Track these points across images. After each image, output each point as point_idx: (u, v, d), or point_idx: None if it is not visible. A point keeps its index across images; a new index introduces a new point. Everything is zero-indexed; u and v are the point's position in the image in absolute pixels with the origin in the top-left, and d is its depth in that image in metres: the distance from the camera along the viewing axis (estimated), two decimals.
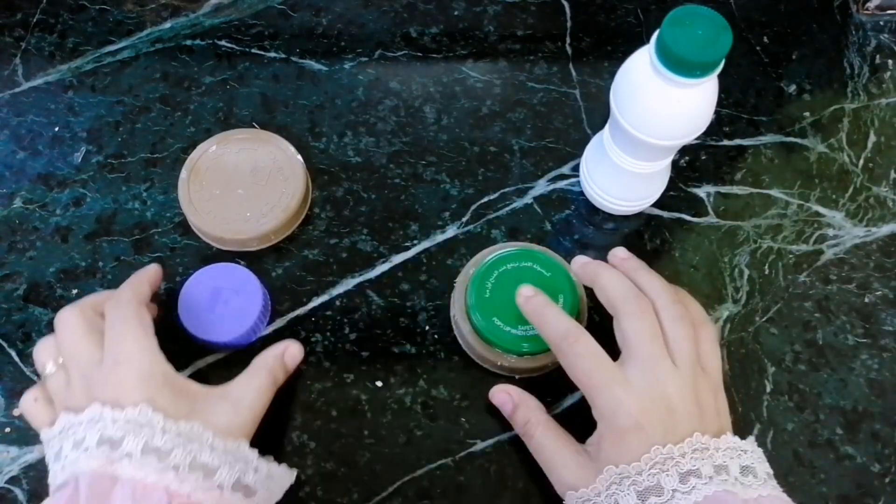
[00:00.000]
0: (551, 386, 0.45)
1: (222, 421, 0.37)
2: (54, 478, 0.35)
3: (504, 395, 0.43)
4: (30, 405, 0.39)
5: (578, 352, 0.39)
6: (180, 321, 0.44)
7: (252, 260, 0.48)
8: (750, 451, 0.37)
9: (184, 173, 0.48)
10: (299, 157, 0.50)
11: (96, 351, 0.37)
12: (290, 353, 0.43)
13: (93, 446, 0.34)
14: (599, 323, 0.45)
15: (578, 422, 0.44)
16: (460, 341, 0.46)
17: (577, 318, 0.44)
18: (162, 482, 0.33)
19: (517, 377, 0.45)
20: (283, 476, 0.39)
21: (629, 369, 0.38)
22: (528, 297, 0.42)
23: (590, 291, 0.43)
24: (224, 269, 0.45)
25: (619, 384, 0.37)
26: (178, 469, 0.34)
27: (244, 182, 0.49)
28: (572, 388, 0.45)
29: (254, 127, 0.52)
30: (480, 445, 0.44)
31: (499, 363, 0.44)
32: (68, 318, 0.39)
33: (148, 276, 0.43)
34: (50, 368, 0.39)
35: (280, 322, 0.47)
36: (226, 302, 0.44)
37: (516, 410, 0.42)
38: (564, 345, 0.39)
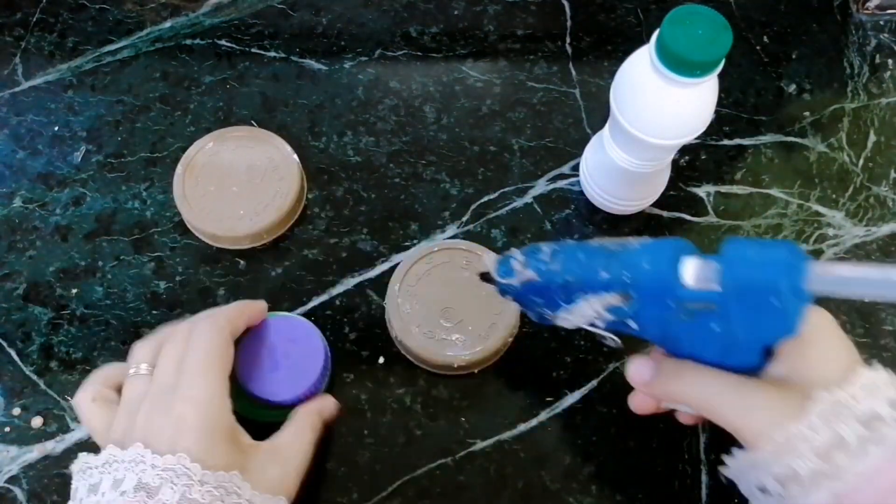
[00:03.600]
0: (552, 385, 0.45)
1: (271, 478, 0.36)
2: None
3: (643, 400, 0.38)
4: (87, 404, 0.38)
5: None
6: (239, 376, 0.41)
7: (252, 259, 0.48)
8: None
9: (179, 169, 0.48)
10: (295, 156, 0.50)
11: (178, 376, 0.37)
12: (327, 409, 0.42)
13: (130, 490, 0.33)
14: None
15: (579, 421, 0.45)
16: (408, 356, 0.46)
17: None
18: None
19: (476, 370, 0.45)
20: None
21: None
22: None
23: None
24: (285, 323, 0.43)
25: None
26: None
27: (239, 180, 0.49)
28: (572, 387, 0.45)
29: (252, 125, 0.52)
30: (480, 445, 0.44)
31: (455, 365, 0.44)
32: (181, 331, 0.38)
33: (250, 312, 0.41)
34: (144, 369, 0.38)
35: None
36: (286, 356, 0.42)
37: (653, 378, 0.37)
38: None
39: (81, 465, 0.36)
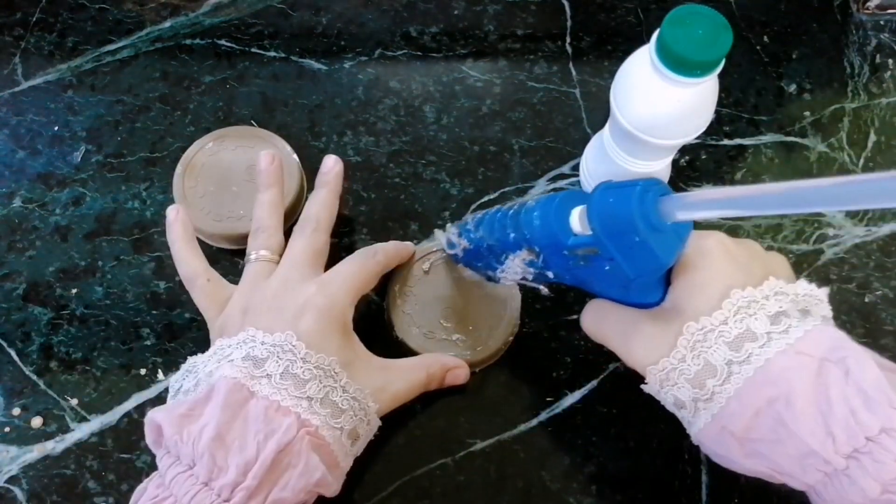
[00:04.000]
0: (552, 385, 0.45)
1: (371, 384, 0.39)
2: (188, 393, 0.37)
3: None
4: (202, 283, 0.42)
5: None
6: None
7: None
8: (825, 302, 0.35)
9: (179, 168, 0.48)
10: (295, 156, 0.50)
11: (316, 272, 0.41)
12: (455, 373, 0.43)
13: (238, 360, 0.36)
14: None
15: (580, 421, 0.45)
16: (401, 348, 0.46)
17: None
18: (295, 408, 0.35)
19: (477, 370, 0.45)
20: (374, 430, 0.40)
21: None
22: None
23: None
24: None
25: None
26: (311, 400, 0.36)
27: (239, 180, 0.49)
28: (572, 387, 0.45)
29: (252, 125, 0.52)
30: (480, 445, 0.44)
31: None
32: (308, 225, 0.43)
33: (404, 252, 0.45)
34: (265, 254, 0.42)
35: None
36: None
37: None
38: None
39: (189, 365, 0.39)
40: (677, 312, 0.34)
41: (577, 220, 0.34)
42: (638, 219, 0.30)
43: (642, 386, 0.36)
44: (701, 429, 0.33)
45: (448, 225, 0.44)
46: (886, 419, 0.29)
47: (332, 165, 0.45)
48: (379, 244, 0.44)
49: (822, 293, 0.35)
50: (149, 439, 0.36)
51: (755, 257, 0.35)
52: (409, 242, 0.46)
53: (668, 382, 0.34)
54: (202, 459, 0.33)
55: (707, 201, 0.28)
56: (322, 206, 0.44)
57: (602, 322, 0.38)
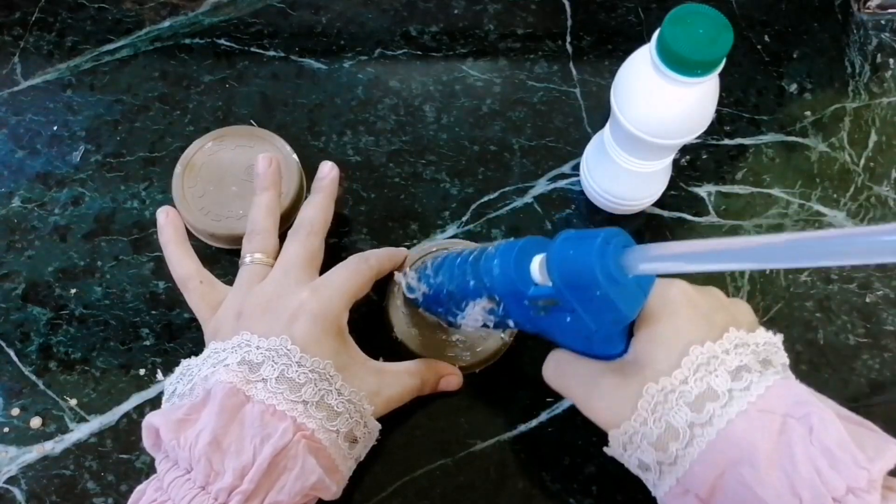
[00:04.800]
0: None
1: (365, 386, 0.39)
2: (183, 397, 0.37)
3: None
4: (195, 285, 0.42)
5: None
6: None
7: None
8: (782, 350, 0.34)
9: (178, 168, 0.48)
10: (295, 156, 0.49)
11: (310, 277, 0.41)
12: (448, 379, 0.44)
13: (234, 364, 0.36)
14: None
15: (580, 421, 0.44)
16: (401, 349, 0.45)
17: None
18: (291, 412, 0.35)
19: (477, 371, 0.45)
20: (375, 434, 0.40)
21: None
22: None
23: None
24: None
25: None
26: (307, 404, 0.36)
27: (238, 179, 0.49)
28: None
29: (251, 125, 0.52)
30: (480, 445, 0.44)
31: (456, 366, 0.44)
32: (303, 230, 0.43)
33: (396, 259, 0.45)
34: (259, 258, 0.42)
35: None
36: None
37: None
38: None
39: (183, 368, 0.39)
40: (638, 368, 0.33)
41: (537, 269, 0.33)
42: (599, 272, 0.29)
43: (605, 449, 0.35)
44: (666, 492, 0.33)
45: (407, 269, 0.44)
46: (852, 478, 0.28)
47: (328, 171, 0.45)
48: (371, 250, 0.44)
49: (779, 339, 0.35)
50: (147, 443, 0.36)
51: (718, 307, 0.35)
52: (402, 248, 0.46)
53: (630, 446, 0.33)
54: (199, 464, 0.33)
55: (670, 255, 0.27)
56: (317, 211, 0.43)
57: (563, 375, 0.37)
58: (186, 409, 0.35)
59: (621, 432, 0.33)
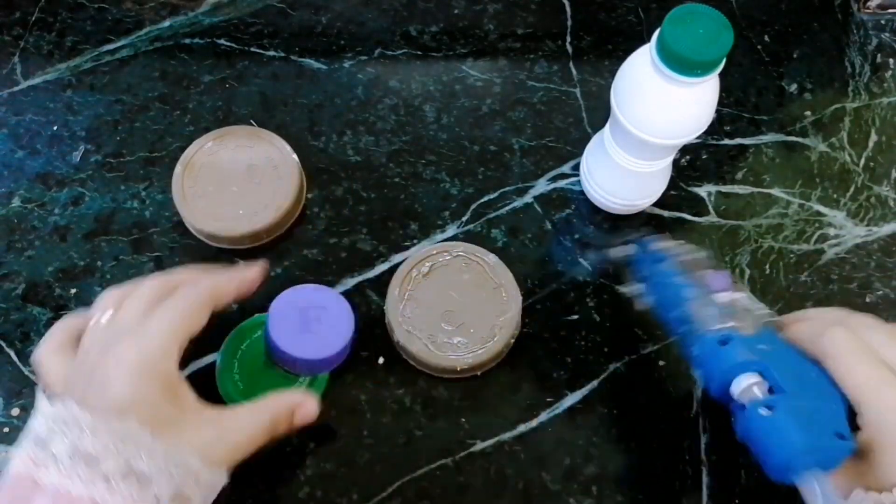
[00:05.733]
0: (552, 385, 0.45)
1: (204, 440, 0.34)
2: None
3: None
4: (47, 356, 0.37)
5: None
6: (270, 339, 0.41)
7: (252, 259, 0.48)
8: None
9: (178, 168, 0.48)
10: (295, 156, 0.49)
11: (139, 321, 0.36)
12: (303, 410, 0.39)
13: (27, 440, 0.31)
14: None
15: (580, 421, 0.44)
16: (402, 353, 0.45)
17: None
18: (88, 493, 0.30)
19: (479, 373, 0.45)
20: (219, 485, 0.35)
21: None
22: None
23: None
24: (315, 292, 0.43)
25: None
26: (109, 479, 0.30)
27: (238, 179, 0.48)
28: (572, 387, 0.45)
29: (251, 125, 0.52)
30: (480, 445, 0.44)
31: (458, 368, 0.44)
32: (149, 283, 0.38)
33: (240, 284, 0.40)
34: (108, 317, 0.37)
35: None
36: (318, 320, 0.42)
37: None
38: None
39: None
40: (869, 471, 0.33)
41: (742, 388, 0.35)
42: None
43: None
44: None
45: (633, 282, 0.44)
46: None
47: (253, 276, 0.41)
48: (205, 277, 0.39)
49: None
50: None
51: None
52: (256, 265, 0.41)
53: None
54: None
55: None
56: (189, 298, 0.37)
57: None
58: None
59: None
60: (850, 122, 0.54)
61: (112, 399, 0.33)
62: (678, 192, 0.51)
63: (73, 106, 0.53)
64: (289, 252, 0.49)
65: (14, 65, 0.54)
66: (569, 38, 0.56)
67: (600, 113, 0.53)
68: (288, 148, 0.49)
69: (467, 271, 0.46)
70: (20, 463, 0.31)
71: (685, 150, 0.52)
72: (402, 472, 0.43)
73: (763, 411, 0.33)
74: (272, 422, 0.37)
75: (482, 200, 0.51)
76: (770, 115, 0.54)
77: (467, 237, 0.49)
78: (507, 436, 0.44)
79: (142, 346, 0.34)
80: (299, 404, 0.39)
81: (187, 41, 0.55)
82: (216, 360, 0.43)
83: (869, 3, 0.58)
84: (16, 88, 0.53)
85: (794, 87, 0.55)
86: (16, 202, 0.50)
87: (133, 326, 0.36)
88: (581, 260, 0.49)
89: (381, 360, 0.46)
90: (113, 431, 0.31)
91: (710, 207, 0.51)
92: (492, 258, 0.46)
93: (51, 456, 0.30)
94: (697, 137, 0.41)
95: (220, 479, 0.35)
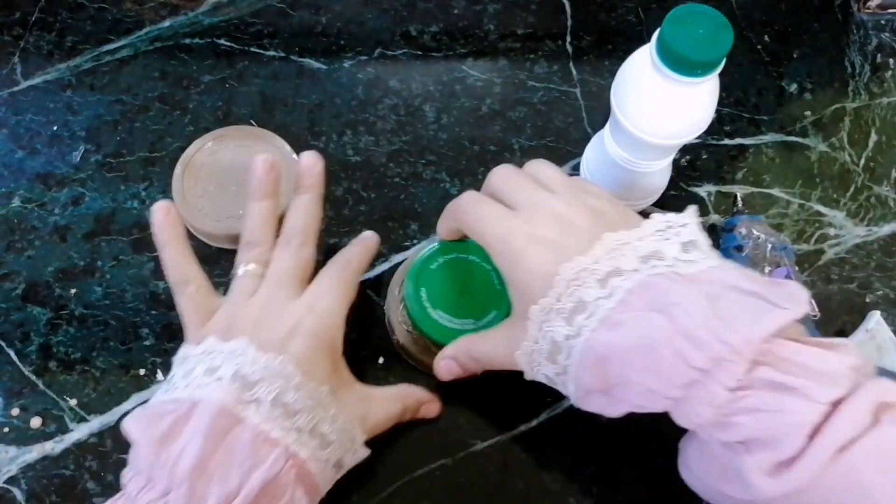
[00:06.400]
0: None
1: (355, 413, 0.38)
2: (170, 393, 0.35)
3: (448, 363, 0.41)
4: (190, 291, 0.40)
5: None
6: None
7: None
8: (690, 224, 0.35)
9: (178, 168, 0.48)
10: (295, 156, 0.49)
11: (302, 289, 0.39)
12: (428, 406, 0.43)
13: (227, 378, 0.34)
14: None
15: (580, 421, 0.44)
16: (402, 353, 0.45)
17: None
18: (284, 440, 0.33)
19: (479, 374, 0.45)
20: (364, 457, 0.39)
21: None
22: None
23: None
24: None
25: (504, 217, 0.36)
26: (300, 431, 0.34)
27: (239, 179, 0.48)
28: None
29: (251, 125, 0.52)
30: (480, 445, 0.44)
31: None
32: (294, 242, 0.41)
33: (371, 247, 0.43)
34: (253, 269, 0.40)
35: None
36: None
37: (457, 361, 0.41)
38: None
39: (182, 355, 0.37)
40: (519, 305, 0.36)
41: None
42: None
43: (525, 375, 0.37)
44: (574, 397, 0.35)
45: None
46: (714, 353, 0.29)
47: (312, 164, 0.43)
48: (347, 251, 0.42)
49: (687, 216, 0.35)
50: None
51: (570, 232, 0.36)
52: (369, 232, 0.44)
53: (530, 366, 0.36)
54: (180, 488, 0.31)
55: None
56: (307, 216, 0.42)
57: (480, 351, 0.39)
58: (170, 423, 0.33)
59: (522, 353, 0.36)
60: (850, 122, 0.54)
61: (294, 358, 0.36)
62: (678, 192, 0.51)
63: (73, 106, 0.53)
64: None
65: (14, 65, 0.54)
66: (569, 38, 0.56)
67: (600, 113, 0.53)
68: (288, 148, 0.49)
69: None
70: (227, 397, 0.33)
71: (685, 150, 0.52)
72: (402, 472, 0.43)
73: None
74: (403, 410, 0.41)
75: None
76: (770, 115, 0.54)
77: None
78: (507, 436, 0.44)
79: (319, 315, 0.38)
80: (428, 401, 0.43)
81: (187, 41, 0.55)
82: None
83: (869, 3, 0.58)
84: (16, 88, 0.53)
85: (794, 87, 0.56)
86: (16, 202, 0.50)
87: (298, 290, 0.39)
88: None
89: (381, 360, 0.46)
90: (311, 393, 0.35)
91: (710, 207, 0.51)
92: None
93: (254, 399, 0.34)
94: (697, 137, 0.41)
95: (366, 454, 0.39)
